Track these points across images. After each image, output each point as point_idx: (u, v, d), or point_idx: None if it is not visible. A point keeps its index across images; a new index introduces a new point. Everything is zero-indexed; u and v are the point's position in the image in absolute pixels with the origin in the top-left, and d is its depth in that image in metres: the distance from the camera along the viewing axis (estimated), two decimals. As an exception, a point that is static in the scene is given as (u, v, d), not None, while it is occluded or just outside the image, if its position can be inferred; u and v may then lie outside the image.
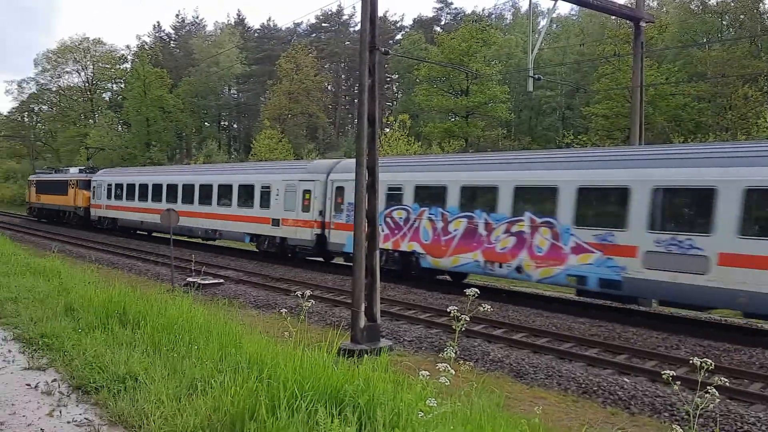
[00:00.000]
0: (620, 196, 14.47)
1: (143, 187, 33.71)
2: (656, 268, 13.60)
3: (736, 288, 12.39)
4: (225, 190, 27.18)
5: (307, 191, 23.04)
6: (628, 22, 29.68)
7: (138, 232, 35.77)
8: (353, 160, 26.46)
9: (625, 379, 10.20)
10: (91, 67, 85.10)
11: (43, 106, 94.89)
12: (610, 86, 39.24)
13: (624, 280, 14.12)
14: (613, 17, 34.52)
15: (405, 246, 19.36)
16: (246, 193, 25.88)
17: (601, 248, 14.58)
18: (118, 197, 36.54)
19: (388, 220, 19.65)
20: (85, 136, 74.23)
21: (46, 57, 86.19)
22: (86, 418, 6.04)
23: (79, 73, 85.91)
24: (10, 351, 8.45)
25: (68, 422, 5.95)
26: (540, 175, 16.41)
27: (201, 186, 28.86)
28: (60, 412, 6.18)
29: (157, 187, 32.30)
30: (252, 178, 26.13)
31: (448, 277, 20.60)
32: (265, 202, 24.75)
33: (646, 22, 20.22)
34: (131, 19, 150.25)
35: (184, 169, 35.94)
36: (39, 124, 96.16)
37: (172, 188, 30.96)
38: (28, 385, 7.02)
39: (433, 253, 18.57)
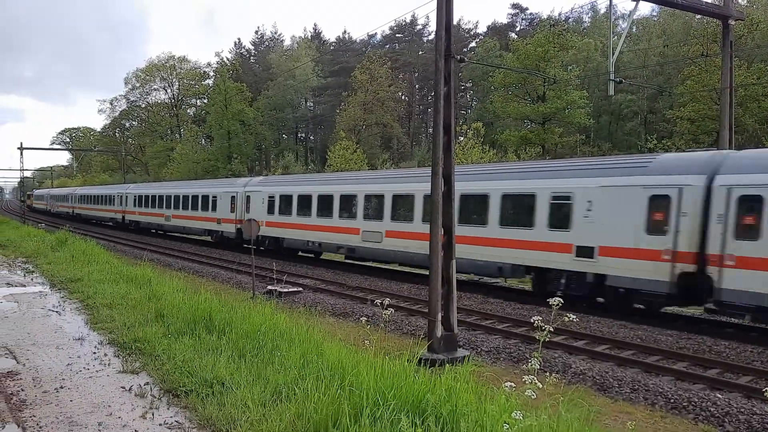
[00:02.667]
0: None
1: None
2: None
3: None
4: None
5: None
6: (714, 20, 28.38)
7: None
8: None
9: (718, 395, 9.69)
10: (177, 83, 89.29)
11: (133, 122, 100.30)
12: (696, 88, 37.57)
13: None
14: (698, 16, 33.07)
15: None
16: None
17: None
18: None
19: None
20: (171, 149, 77.78)
21: (136, 75, 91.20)
22: (177, 421, 6.28)
23: (166, 90, 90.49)
24: (105, 355, 8.93)
25: (160, 425, 6.20)
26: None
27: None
28: (152, 415, 6.46)
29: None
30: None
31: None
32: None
33: (735, 20, 19.23)
34: (214, 36, 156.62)
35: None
36: (129, 139, 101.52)
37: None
38: (123, 387, 7.39)
39: None
